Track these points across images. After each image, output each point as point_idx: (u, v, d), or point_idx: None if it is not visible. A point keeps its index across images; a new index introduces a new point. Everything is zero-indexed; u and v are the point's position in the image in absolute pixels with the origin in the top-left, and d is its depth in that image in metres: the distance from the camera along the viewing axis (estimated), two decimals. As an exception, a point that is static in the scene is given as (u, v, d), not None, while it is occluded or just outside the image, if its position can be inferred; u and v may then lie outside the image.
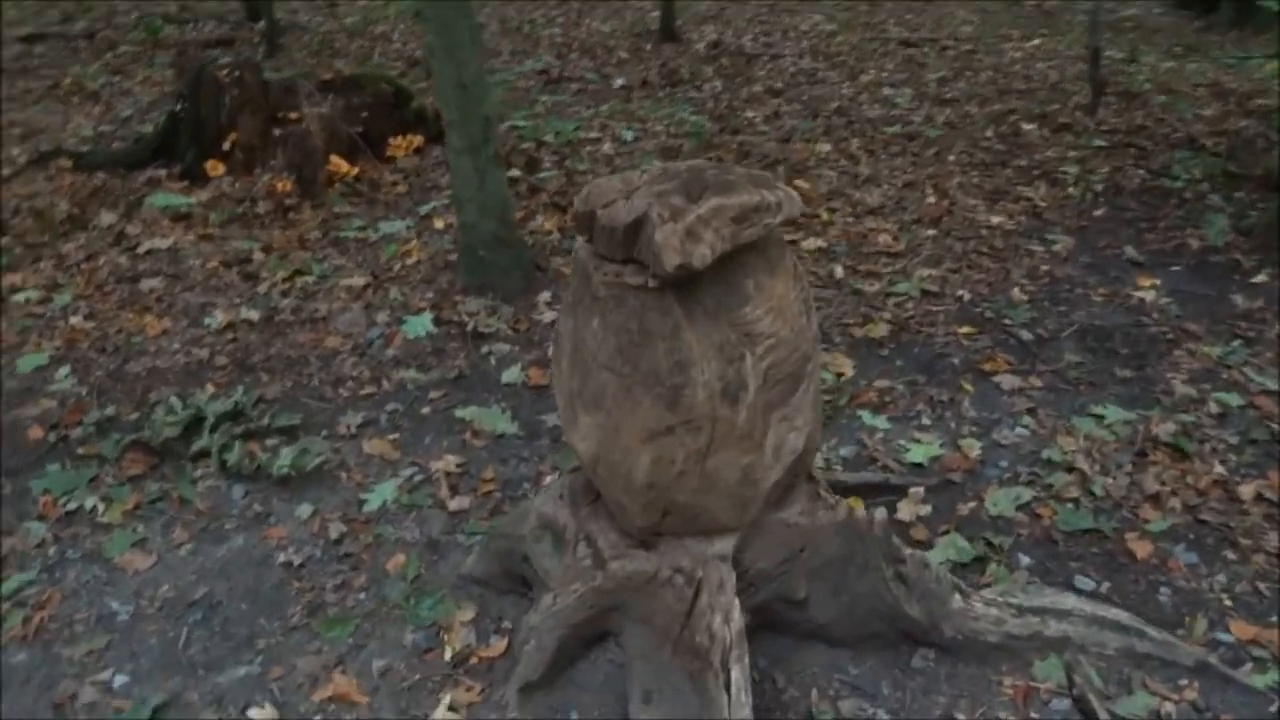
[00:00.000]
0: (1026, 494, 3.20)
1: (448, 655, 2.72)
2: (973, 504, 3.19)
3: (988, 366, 3.86)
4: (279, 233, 4.87)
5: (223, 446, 3.34)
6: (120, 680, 2.68)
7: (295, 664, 2.71)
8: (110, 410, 3.62)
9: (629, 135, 6.27)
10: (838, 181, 5.76)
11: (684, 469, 2.12)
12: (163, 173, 5.36)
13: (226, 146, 5.21)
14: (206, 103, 5.24)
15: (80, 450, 3.43)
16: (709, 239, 1.89)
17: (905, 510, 3.18)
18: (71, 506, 3.23)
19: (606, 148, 6.06)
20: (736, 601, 2.26)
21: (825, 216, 5.21)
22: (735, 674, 2.23)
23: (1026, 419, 3.57)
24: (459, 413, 3.64)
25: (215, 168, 5.23)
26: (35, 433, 3.52)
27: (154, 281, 4.47)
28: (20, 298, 4.35)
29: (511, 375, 3.82)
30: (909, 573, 2.50)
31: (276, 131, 5.24)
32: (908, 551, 2.52)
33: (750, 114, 7.17)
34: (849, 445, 3.46)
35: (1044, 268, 4.68)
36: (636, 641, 2.37)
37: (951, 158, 6.20)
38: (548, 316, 4.19)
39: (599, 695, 2.49)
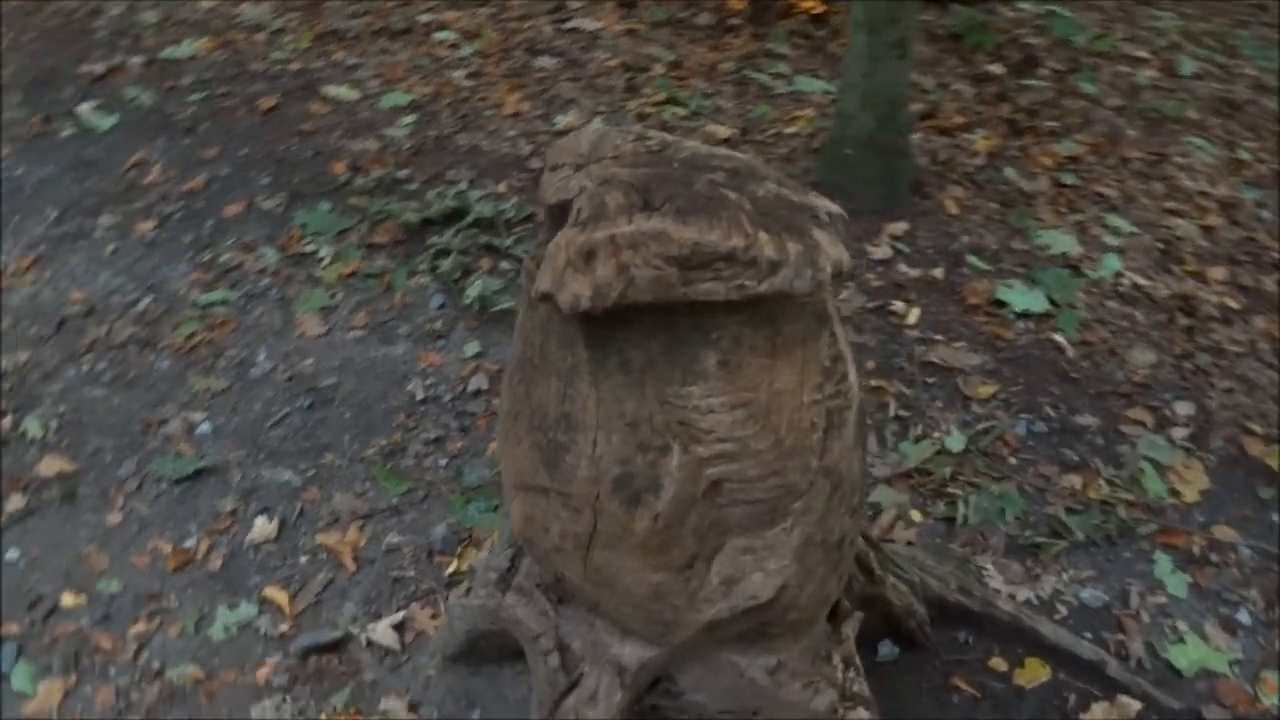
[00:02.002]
0: (1301, 804, 2.07)
1: (450, 569, 2.43)
2: (1203, 764, 2.15)
3: None
4: (700, 51, 4.46)
5: (440, 252, 3.20)
6: (203, 429, 2.75)
7: (333, 495, 2.59)
8: (405, 172, 3.62)
9: (1189, 67, 4.81)
10: None
11: (561, 546, 1.53)
12: (646, -47, 5.11)
13: (707, -57, 4.81)
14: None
15: (353, 200, 3.49)
16: (604, 275, 1.22)
17: (1098, 717, 2.23)
18: (309, 248, 3.32)
19: (1142, 76, 4.71)
20: (613, 729, 1.67)
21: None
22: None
23: None
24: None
25: (688, -38, 4.87)
26: (338, 168, 3.64)
27: (550, 62, 4.34)
28: (439, 36, 4.46)
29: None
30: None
31: (761, -58, 4.71)
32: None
33: None
34: (1100, 589, 2.46)
35: None
36: (534, 684, 1.89)
37: None
38: (881, 253, 3.42)
39: (511, 708, 2.08)
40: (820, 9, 4.61)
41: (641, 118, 3.96)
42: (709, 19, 4.62)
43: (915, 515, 2.62)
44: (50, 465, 2.59)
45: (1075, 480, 2.72)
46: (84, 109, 3.81)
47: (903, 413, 2.87)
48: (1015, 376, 3.01)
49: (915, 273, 3.33)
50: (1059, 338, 3.14)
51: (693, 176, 1.30)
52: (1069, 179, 3.89)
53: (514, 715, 2.05)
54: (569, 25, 4.57)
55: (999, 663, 2.30)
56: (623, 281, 1.22)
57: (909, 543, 2.55)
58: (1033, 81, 4.47)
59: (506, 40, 4.45)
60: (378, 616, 2.31)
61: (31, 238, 3.28)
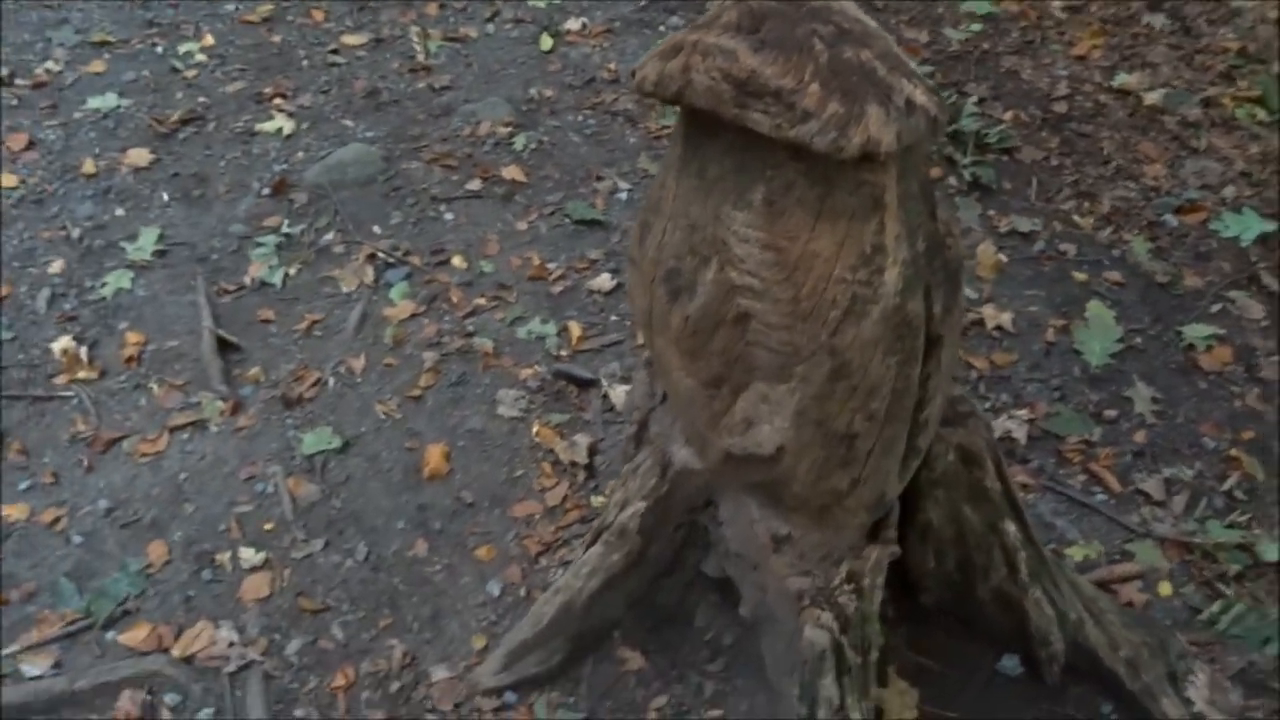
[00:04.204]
0: None
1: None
2: None
3: None
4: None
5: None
6: (621, 195, 3.26)
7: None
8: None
9: None
10: None
11: (640, 320, 1.75)
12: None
13: None
14: None
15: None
16: (671, 68, 1.38)
17: None
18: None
19: None
20: (641, 507, 1.89)
21: None
22: (593, 552, 1.98)
23: None
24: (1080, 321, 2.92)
25: None
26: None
27: (1161, 21, 3.97)
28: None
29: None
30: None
31: None
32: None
33: None
34: None
35: None
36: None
37: None
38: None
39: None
40: None
41: (1208, 103, 3.56)
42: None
43: (1163, 587, 2.32)
44: (510, 171, 3.28)
45: (1390, 666, 2.18)
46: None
47: (1239, 494, 2.47)
48: None
49: (1399, 379, 2.72)
50: None
51: (804, 23, 1.38)
52: None
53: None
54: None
55: (1127, 754, 2.05)
56: (682, 79, 1.38)
57: (1128, 602, 2.28)
58: None
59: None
60: (625, 382, 2.68)
61: (614, 14, 3.97)
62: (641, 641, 2.10)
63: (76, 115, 3.41)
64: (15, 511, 2.36)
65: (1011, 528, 2.00)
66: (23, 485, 2.43)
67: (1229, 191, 3.23)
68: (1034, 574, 2.03)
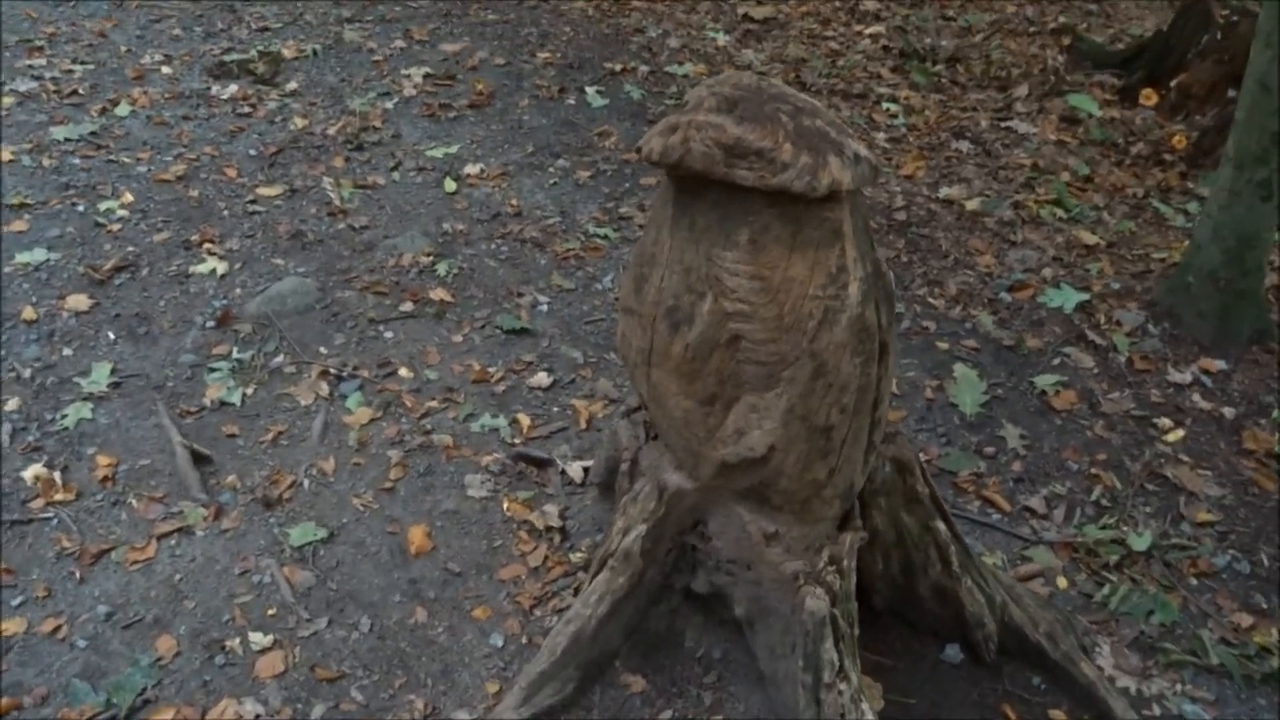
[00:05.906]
0: None
1: (646, 455, 3.03)
2: None
3: None
4: (1117, 174, 4.62)
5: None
6: (542, 308, 3.61)
7: (599, 378, 3.32)
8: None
9: None
10: None
11: (637, 361, 2.09)
12: (1117, 81, 5.30)
13: (1172, 83, 4.91)
14: (1183, 33, 4.92)
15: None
16: (673, 141, 1.78)
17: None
18: (685, 222, 4.10)
19: None
20: (642, 530, 2.19)
21: None
22: (599, 579, 2.25)
23: None
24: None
25: (1148, 97, 5.00)
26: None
27: (967, 146, 4.75)
28: (885, 105, 5.07)
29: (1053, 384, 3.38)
30: (824, 699, 2.03)
31: (1230, 93, 4.73)
32: (835, 687, 2.02)
33: None
34: (1209, 712, 2.46)
35: None
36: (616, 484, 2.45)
37: None
38: (1179, 378, 3.45)
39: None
40: (1266, 166, 4.51)
41: (1017, 206, 4.26)
42: (1144, 149, 4.74)
43: (1060, 581, 2.74)
44: (437, 293, 3.60)
45: (1246, 620, 2.66)
46: (590, 90, 4.96)
47: (1105, 502, 2.96)
48: (1249, 520, 2.95)
49: (1205, 405, 3.33)
50: (1323, 505, 2.99)
51: (768, 103, 1.82)
52: None
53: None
54: (1005, 124, 4.94)
55: (1059, 715, 2.41)
56: (683, 149, 1.78)
57: (1035, 592, 2.69)
58: None
59: (941, 122, 4.94)
60: (579, 459, 2.98)
61: (507, 160, 4.42)
62: (640, 667, 2.35)
63: (7, 269, 3.54)
64: (12, 626, 2.42)
65: (941, 526, 2.39)
66: (15, 601, 2.49)
67: (1047, 272, 3.89)
68: (963, 565, 2.42)
